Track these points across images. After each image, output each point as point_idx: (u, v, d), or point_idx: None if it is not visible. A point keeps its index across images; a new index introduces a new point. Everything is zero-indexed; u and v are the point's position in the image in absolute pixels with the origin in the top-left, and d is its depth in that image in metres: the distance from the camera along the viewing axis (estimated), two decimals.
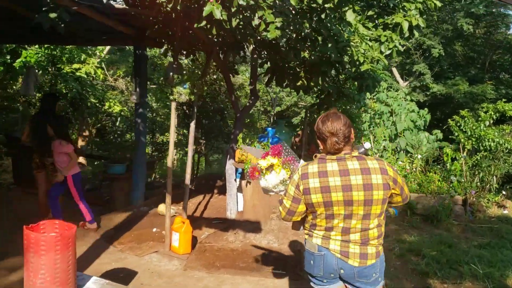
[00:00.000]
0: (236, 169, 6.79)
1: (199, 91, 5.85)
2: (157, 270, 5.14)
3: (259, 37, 4.89)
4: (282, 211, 2.79)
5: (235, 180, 6.90)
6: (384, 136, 9.66)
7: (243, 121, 6.86)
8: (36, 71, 9.23)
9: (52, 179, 6.13)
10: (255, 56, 6.59)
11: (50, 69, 10.63)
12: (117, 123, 11.41)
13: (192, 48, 6.30)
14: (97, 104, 11.50)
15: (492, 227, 7.51)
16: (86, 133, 13.63)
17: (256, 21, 4.12)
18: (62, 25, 4.28)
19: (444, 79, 20.12)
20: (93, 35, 7.18)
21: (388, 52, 5.74)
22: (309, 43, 5.21)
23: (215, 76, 9.69)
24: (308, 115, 8.50)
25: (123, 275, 4.94)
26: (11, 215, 6.40)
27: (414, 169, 8.99)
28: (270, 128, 6.89)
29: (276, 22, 4.07)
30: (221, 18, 3.73)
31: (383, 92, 11.07)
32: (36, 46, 10.45)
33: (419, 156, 8.90)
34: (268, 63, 6.46)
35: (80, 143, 13.20)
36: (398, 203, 2.80)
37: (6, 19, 6.27)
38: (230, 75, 7.05)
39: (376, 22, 6.08)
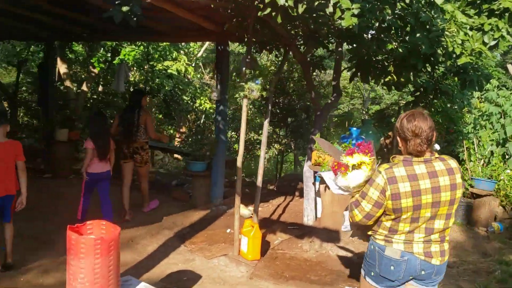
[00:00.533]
0: (315, 172, 6.32)
1: (273, 87, 5.46)
2: (222, 276, 4.86)
3: (333, 26, 4.38)
4: (358, 214, 2.67)
5: (314, 183, 6.43)
6: (491, 141, 8.51)
7: (323, 119, 6.36)
8: (128, 67, 9.48)
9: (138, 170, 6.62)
10: (340, 49, 6.04)
11: (145, 67, 10.97)
12: (202, 120, 11.45)
13: (271, 42, 5.92)
14: (189, 101, 11.68)
15: None
16: (183, 129, 14.00)
17: (330, 8, 3.65)
18: (135, 19, 4.18)
19: None
20: (174, 30, 7.15)
21: (493, 43, 4.87)
22: (393, 33, 4.57)
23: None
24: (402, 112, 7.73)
25: (186, 278, 4.74)
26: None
27: None
28: (354, 128, 6.30)
29: (353, 8, 3.56)
30: (286, 4, 3.32)
31: (493, 90, 9.80)
32: (133, 44, 10.86)
33: None
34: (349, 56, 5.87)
35: (178, 139, 13.58)
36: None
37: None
38: (317, 70, 6.60)
39: (480, 8, 5.21)
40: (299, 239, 5.98)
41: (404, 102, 13.24)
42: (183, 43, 13.45)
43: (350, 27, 3.67)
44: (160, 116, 13.66)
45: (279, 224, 6.62)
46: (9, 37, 9.85)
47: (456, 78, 6.59)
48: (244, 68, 5.16)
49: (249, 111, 11.95)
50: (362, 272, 2.87)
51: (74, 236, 2.98)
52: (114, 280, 3.13)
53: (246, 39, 5.87)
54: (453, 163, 2.61)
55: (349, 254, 5.57)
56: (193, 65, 12.01)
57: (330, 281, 4.84)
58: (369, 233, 2.80)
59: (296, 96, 9.46)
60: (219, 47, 7.28)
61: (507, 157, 8.46)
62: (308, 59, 7.19)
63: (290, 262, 5.38)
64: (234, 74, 5.24)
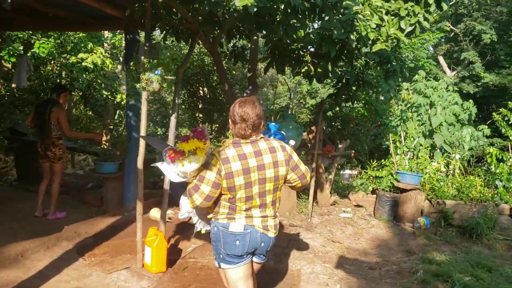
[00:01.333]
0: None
1: (179, 79, 4.90)
2: None
3: (228, 8, 3.87)
4: (198, 198, 2.76)
5: None
6: (419, 133, 8.36)
7: None
8: (29, 59, 8.58)
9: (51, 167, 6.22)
10: (255, 38, 5.56)
11: (57, 60, 10.07)
12: (116, 116, 10.71)
13: (181, 30, 5.35)
14: (109, 97, 10.87)
15: None
16: (112, 126, 13.11)
17: None
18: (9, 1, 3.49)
19: (498, 68, 18.22)
20: (77, 18, 6.42)
21: (409, 28, 4.55)
22: (300, 16, 4.13)
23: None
24: (327, 105, 7.40)
25: None
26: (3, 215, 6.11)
27: (451, 171, 7.68)
28: (273, 123, 5.84)
29: None
30: None
31: (422, 81, 9.72)
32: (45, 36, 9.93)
33: (457, 156, 7.57)
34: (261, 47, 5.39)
35: (105, 137, 12.66)
36: (296, 183, 3.00)
37: None
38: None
39: None
40: None
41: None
42: (107, 34, 12.61)
43: (246, 7, 3.18)
44: (90, 113, 12.75)
45: (194, 229, 6.06)
46: None
47: (379, 68, 6.31)
48: (142, 57, 4.57)
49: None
50: (216, 263, 3.08)
51: None
52: None
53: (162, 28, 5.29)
54: (275, 143, 2.89)
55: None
56: (114, 57, 11.17)
57: None
58: (209, 216, 3.03)
59: (222, 89, 8.92)
60: (127, 36, 6.62)
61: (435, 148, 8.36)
62: (229, 49, 6.70)
63: (200, 272, 4.84)
64: (132, 63, 4.61)
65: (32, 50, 10.13)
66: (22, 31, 9.53)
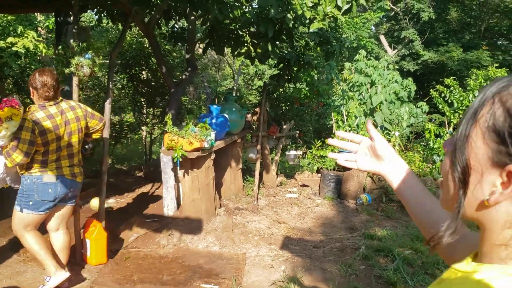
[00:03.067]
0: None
1: (113, 63, 4.67)
2: None
3: None
4: (18, 156, 3.24)
5: (174, 169, 5.80)
6: (360, 112, 8.50)
7: (178, 98, 5.71)
8: None
9: None
10: (192, 18, 5.38)
11: None
12: None
13: (108, 10, 5.08)
14: None
15: None
16: None
17: None
18: None
19: (436, 46, 18.85)
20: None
21: (346, 6, 4.53)
22: None
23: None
24: (269, 88, 7.35)
25: None
26: None
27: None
28: (215, 106, 5.72)
29: None
30: None
31: (362, 61, 9.86)
32: None
33: (397, 133, 7.76)
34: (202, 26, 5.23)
35: None
36: (98, 125, 3.98)
37: None
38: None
39: None
40: (157, 233, 5.33)
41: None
42: (39, 17, 11.92)
43: None
44: (28, 101, 12.06)
45: (137, 218, 5.89)
46: None
47: (319, 49, 6.30)
48: (71, 41, 4.31)
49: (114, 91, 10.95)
50: (17, 207, 3.52)
51: None
52: None
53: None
54: (72, 102, 3.76)
55: (211, 245, 5.06)
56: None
57: (184, 280, 4.27)
58: (22, 172, 3.50)
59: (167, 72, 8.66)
60: (58, 19, 6.26)
61: (375, 126, 8.52)
62: (167, 30, 6.47)
63: (143, 261, 4.71)
64: (60, 47, 4.34)
65: None
66: None
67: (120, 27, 8.45)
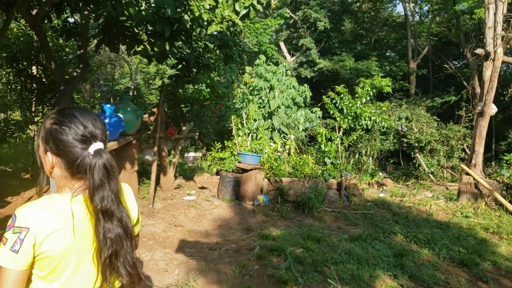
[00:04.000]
0: None
1: None
2: None
3: None
4: None
5: None
6: (258, 115, 8.70)
7: (69, 95, 5.40)
8: None
9: None
10: (85, 13, 5.12)
11: None
12: None
13: None
14: None
15: (367, 214, 6.92)
16: None
17: None
18: None
19: (331, 55, 19.90)
20: None
21: (244, 11, 4.60)
22: None
23: None
24: (169, 88, 7.24)
25: None
26: None
27: (287, 151, 8.16)
28: (108, 105, 5.50)
29: None
30: None
31: (262, 65, 10.10)
32: None
33: (292, 137, 8.07)
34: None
35: None
36: None
37: None
38: None
39: None
40: None
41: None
42: None
43: None
44: None
45: None
46: None
47: (218, 52, 6.34)
48: None
49: None
50: None
51: None
52: None
53: None
54: None
55: None
56: None
57: None
58: None
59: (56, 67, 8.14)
60: None
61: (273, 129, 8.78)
62: (59, 24, 6.09)
63: None
64: None
65: None
66: None
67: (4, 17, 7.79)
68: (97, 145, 1.49)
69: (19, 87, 8.98)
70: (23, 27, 8.38)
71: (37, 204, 1.44)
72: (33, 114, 9.39)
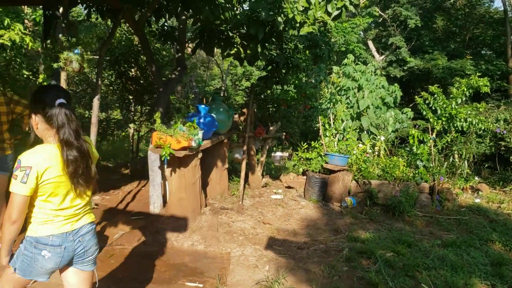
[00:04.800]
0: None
1: (101, 59, 4.67)
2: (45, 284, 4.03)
3: None
4: None
5: (161, 167, 5.81)
6: (346, 115, 8.60)
7: (167, 96, 5.72)
8: None
9: None
10: (183, 18, 5.40)
11: None
12: None
13: (98, 5, 5.07)
14: (30, 77, 10.21)
15: (461, 219, 6.59)
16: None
17: None
18: None
19: (422, 53, 19.12)
20: None
21: (336, 12, 4.60)
22: None
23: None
24: (256, 89, 7.40)
25: None
26: None
27: (377, 153, 7.98)
28: (203, 106, 5.75)
29: None
30: None
31: (351, 65, 9.97)
32: None
33: (382, 138, 7.87)
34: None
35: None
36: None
37: None
38: None
39: None
40: (143, 231, 5.33)
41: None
42: (26, 10, 11.78)
43: None
44: (10, 94, 11.91)
45: (123, 215, 5.90)
46: None
47: (307, 52, 6.37)
48: (60, 35, 4.31)
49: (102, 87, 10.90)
50: None
51: None
52: None
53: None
54: None
55: (196, 244, 5.08)
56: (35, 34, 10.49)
57: (168, 278, 4.29)
58: None
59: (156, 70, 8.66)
60: (46, 12, 6.21)
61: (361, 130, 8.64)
62: (157, 28, 6.48)
63: (128, 259, 4.72)
64: (48, 42, 4.33)
65: None
66: None
67: (110, 22, 8.40)
68: (60, 100, 2.31)
69: (119, 88, 9.67)
70: (125, 32, 9.01)
71: (34, 150, 2.28)
72: (132, 113, 10.05)
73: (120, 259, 4.70)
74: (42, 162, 2.24)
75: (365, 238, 5.59)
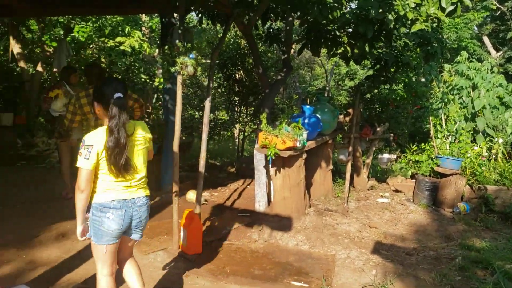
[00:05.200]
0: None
1: (213, 62, 4.89)
2: (155, 275, 4.34)
3: None
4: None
5: (266, 166, 5.93)
6: (460, 116, 8.07)
7: (273, 97, 5.82)
8: (67, 43, 8.77)
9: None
10: (290, 19, 5.47)
11: (97, 44, 10.28)
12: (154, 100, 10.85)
13: (210, 11, 5.32)
14: (148, 80, 11.03)
15: None
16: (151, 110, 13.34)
17: None
18: None
19: None
20: (113, 2, 6.49)
21: (451, 7, 4.34)
22: None
23: None
24: (362, 89, 7.24)
25: None
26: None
27: (493, 156, 7.39)
28: (307, 106, 5.77)
29: None
30: None
31: (464, 63, 9.34)
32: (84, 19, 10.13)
33: (501, 141, 7.27)
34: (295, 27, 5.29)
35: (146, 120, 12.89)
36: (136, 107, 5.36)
37: None
38: None
39: None
40: (249, 228, 5.49)
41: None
42: (144, 18, 12.74)
43: None
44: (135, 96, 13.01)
45: (230, 212, 6.13)
46: None
47: (418, 50, 6.11)
48: (176, 41, 4.58)
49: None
50: None
51: None
52: None
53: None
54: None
55: (300, 244, 5.11)
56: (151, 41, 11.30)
57: (274, 276, 4.36)
58: None
59: (257, 72, 8.89)
60: (163, 20, 6.66)
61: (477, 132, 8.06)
62: (263, 31, 6.63)
63: (235, 254, 4.89)
64: (166, 47, 4.62)
65: (71, 34, 10.37)
66: (62, 16, 9.71)
67: (218, 27, 8.75)
68: (118, 94, 2.75)
69: (226, 90, 10.04)
70: (233, 36, 9.34)
71: (95, 132, 2.78)
72: (237, 114, 10.39)
73: (228, 254, 4.88)
74: (101, 142, 2.71)
75: (480, 247, 5.21)
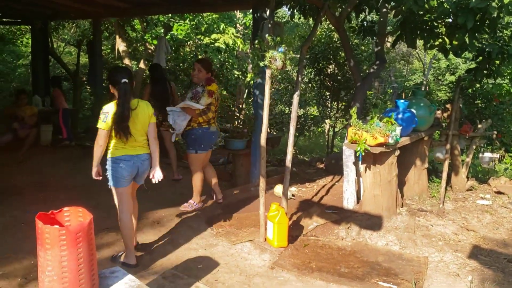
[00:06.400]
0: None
1: (303, 56, 4.86)
2: (241, 265, 4.43)
3: None
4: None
5: (355, 163, 5.78)
6: None
7: (365, 91, 5.65)
8: (167, 41, 9.19)
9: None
10: (384, 10, 5.27)
11: (192, 41, 10.69)
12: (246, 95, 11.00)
13: (301, 5, 5.29)
14: (240, 76, 11.27)
15: None
16: (242, 105, 13.67)
17: None
18: None
19: None
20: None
21: None
22: None
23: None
24: (463, 83, 6.75)
25: (201, 266, 4.36)
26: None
27: None
28: (402, 101, 5.52)
29: None
30: None
31: None
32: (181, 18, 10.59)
33: None
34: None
35: (237, 115, 13.28)
36: None
37: None
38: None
39: None
40: (336, 225, 5.40)
41: None
42: (238, 15, 13.03)
43: None
44: (224, 92, 13.46)
45: (317, 207, 6.07)
46: (57, 17, 9.92)
47: None
48: (266, 35, 4.62)
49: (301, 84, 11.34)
50: (193, 151, 5.51)
51: (40, 225, 2.69)
52: (86, 274, 2.79)
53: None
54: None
55: (390, 244, 4.92)
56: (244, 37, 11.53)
57: (361, 275, 4.25)
58: (193, 125, 5.45)
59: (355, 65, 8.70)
60: (255, 15, 6.75)
61: None
62: (357, 24, 6.46)
63: (321, 250, 4.83)
64: (256, 41, 4.66)
65: (170, 32, 10.89)
66: (162, 15, 10.23)
67: (311, 21, 8.68)
68: (124, 79, 3.75)
69: (317, 85, 9.95)
70: (325, 30, 9.22)
71: (111, 104, 3.78)
72: (328, 109, 10.25)
73: (314, 250, 4.84)
74: (113, 110, 3.72)
75: None
